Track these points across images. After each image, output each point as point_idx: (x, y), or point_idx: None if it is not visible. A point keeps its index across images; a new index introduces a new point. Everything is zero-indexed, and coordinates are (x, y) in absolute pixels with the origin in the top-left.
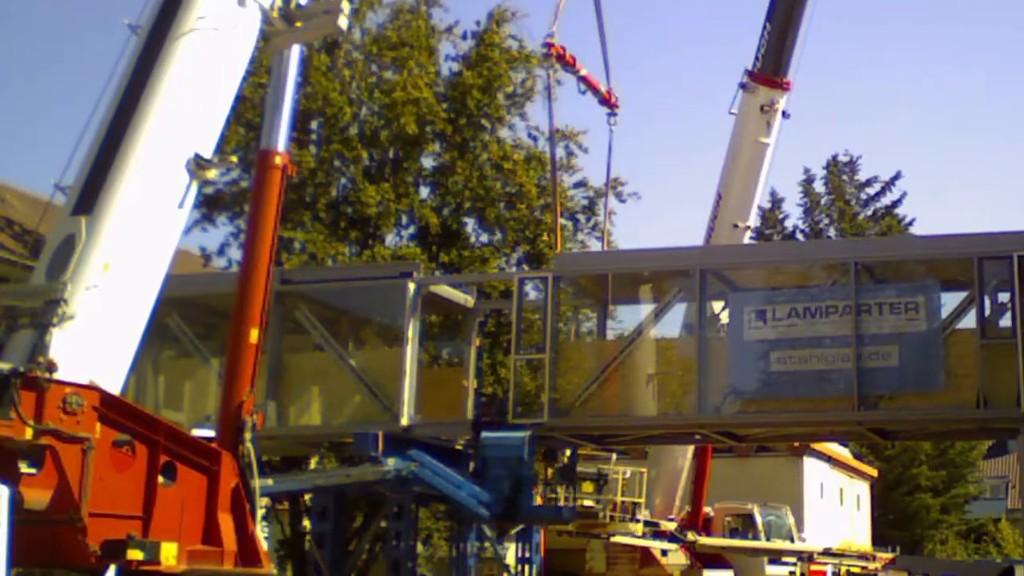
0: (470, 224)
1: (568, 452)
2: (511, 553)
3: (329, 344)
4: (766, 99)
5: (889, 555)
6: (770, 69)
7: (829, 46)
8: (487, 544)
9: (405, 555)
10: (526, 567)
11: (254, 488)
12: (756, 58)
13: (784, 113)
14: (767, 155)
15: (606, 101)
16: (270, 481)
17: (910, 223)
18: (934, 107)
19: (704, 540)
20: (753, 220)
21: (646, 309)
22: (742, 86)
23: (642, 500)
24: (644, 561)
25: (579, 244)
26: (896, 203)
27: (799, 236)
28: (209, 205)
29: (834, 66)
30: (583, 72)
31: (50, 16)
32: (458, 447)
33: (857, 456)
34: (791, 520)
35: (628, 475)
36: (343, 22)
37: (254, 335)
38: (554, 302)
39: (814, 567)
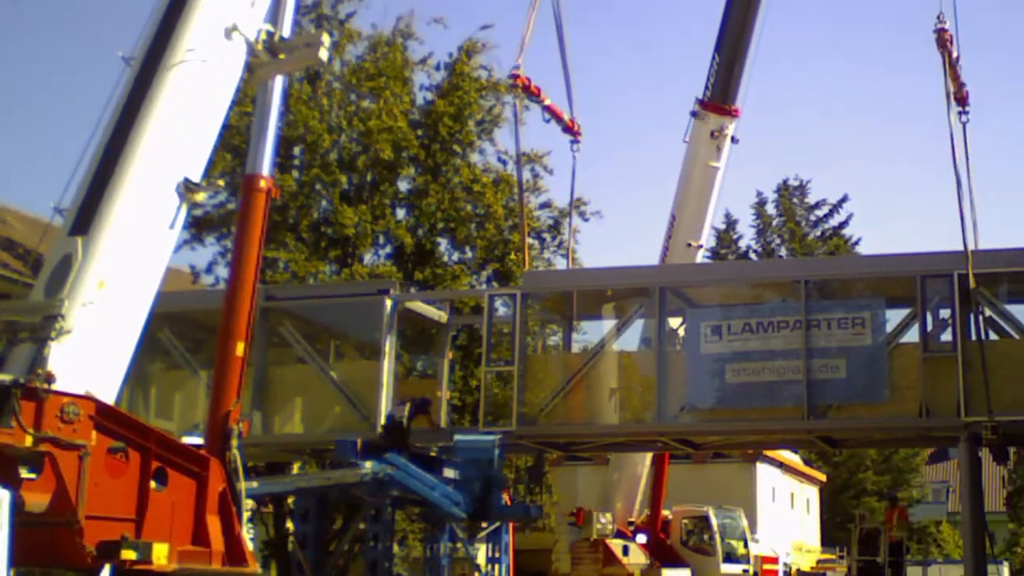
0: (443, 244)
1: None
2: (482, 553)
3: (311, 357)
4: (716, 125)
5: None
6: (719, 97)
7: (782, 75)
8: (459, 544)
9: (382, 555)
10: (496, 566)
11: (240, 492)
12: (706, 87)
13: (733, 139)
14: (717, 178)
15: (569, 129)
16: (255, 484)
17: (856, 243)
18: (880, 132)
19: None
20: (706, 240)
21: (609, 324)
22: (693, 114)
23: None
24: (607, 560)
25: (545, 262)
26: (843, 224)
27: (752, 256)
28: (198, 226)
29: (788, 94)
30: (548, 102)
31: (48, 49)
32: (432, 453)
33: (807, 462)
34: (745, 522)
35: None
36: (324, 54)
37: (240, 348)
38: (522, 317)
39: (767, 566)
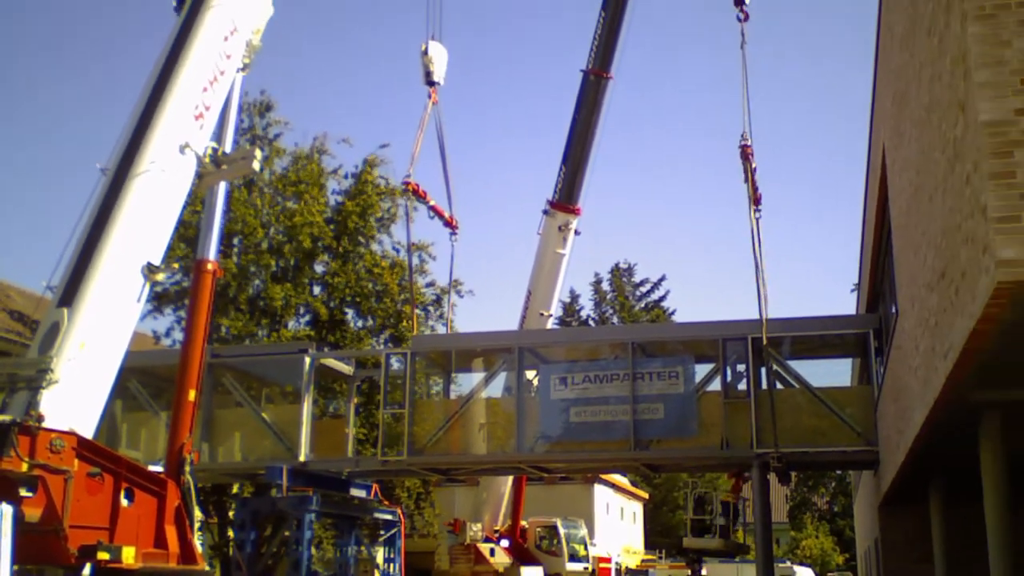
0: (350, 314)
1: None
2: (380, 555)
3: (247, 402)
4: (562, 221)
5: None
6: (565, 199)
7: (615, 181)
8: (363, 548)
9: (303, 556)
10: (392, 565)
11: (192, 506)
12: (555, 190)
13: (576, 231)
14: (564, 262)
15: (449, 224)
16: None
17: (672, 312)
18: (692, 227)
19: None
20: (555, 310)
21: (479, 376)
22: (545, 212)
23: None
24: (477, 560)
25: (430, 328)
26: (662, 298)
27: (591, 322)
28: (158, 299)
29: (620, 194)
30: (432, 203)
31: (35, 161)
32: (343, 476)
33: (634, 483)
34: (585, 531)
35: None
36: (257, 165)
37: (192, 395)
38: (412, 371)
39: (602, 564)
